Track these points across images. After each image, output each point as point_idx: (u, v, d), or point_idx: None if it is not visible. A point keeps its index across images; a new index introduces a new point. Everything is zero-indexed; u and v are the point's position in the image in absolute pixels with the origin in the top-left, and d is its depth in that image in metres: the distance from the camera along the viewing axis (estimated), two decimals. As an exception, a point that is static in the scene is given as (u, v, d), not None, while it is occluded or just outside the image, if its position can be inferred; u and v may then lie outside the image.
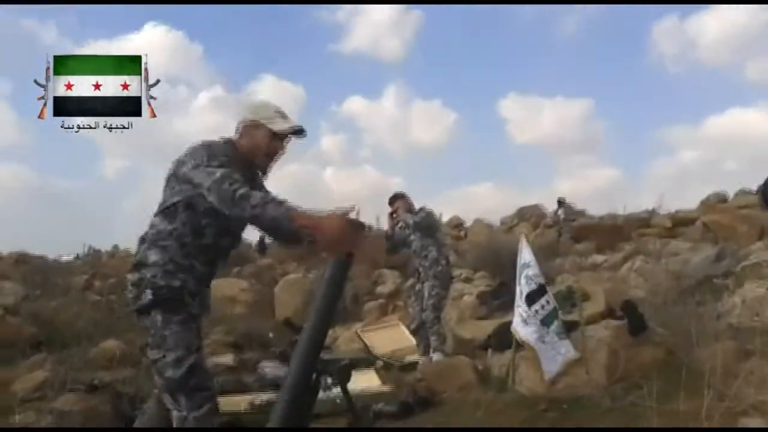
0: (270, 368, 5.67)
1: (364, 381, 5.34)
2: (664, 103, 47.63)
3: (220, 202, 2.41)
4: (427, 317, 6.20)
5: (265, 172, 2.90)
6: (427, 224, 6.41)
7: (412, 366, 6.36)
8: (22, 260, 14.51)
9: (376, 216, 13.55)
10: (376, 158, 47.62)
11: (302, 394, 1.72)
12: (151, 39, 42.80)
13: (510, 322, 5.08)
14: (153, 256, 2.70)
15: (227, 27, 46.70)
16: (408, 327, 7.19)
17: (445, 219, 17.95)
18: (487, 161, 46.28)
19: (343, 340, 8.15)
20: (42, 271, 13.32)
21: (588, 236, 14.50)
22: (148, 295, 2.65)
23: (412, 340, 6.95)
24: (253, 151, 2.82)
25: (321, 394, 1.76)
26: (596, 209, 17.57)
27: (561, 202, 16.94)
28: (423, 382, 5.32)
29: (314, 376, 1.73)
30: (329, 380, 1.80)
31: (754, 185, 14.66)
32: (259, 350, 7.36)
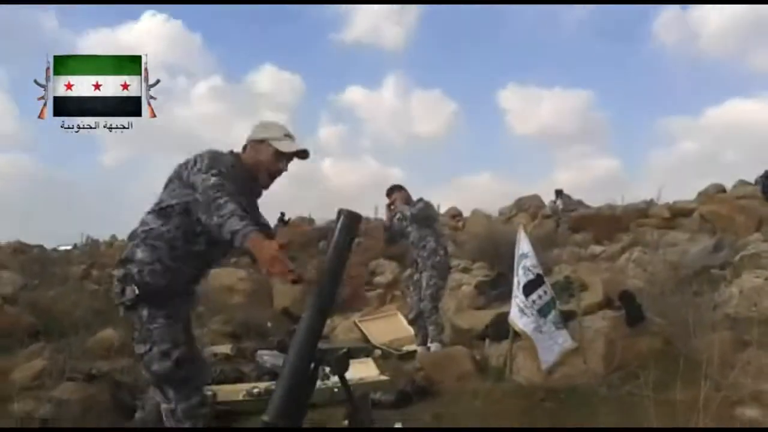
0: (268, 357, 5.68)
1: (362, 370, 5.35)
2: (663, 93, 47.59)
3: (203, 206, 2.48)
4: (425, 307, 6.21)
5: (265, 188, 2.96)
6: (425, 215, 6.42)
7: (411, 355, 6.38)
8: (20, 250, 14.52)
9: (374, 206, 13.55)
10: (375, 148, 47.51)
11: (300, 383, 1.72)
12: (150, 28, 42.75)
13: (508, 313, 5.10)
14: (140, 254, 2.71)
15: (226, 16, 46.53)
16: (406, 317, 7.21)
17: (443, 209, 17.94)
18: (485, 151, 46.22)
19: (341, 329, 8.16)
20: (40, 260, 13.31)
21: (586, 227, 14.49)
22: (134, 290, 2.66)
23: (410, 330, 6.96)
24: (256, 166, 2.87)
25: (319, 383, 1.76)
26: (594, 200, 17.57)
27: (559, 193, 16.94)
28: (421, 372, 5.32)
29: (312, 365, 1.73)
30: (327, 369, 1.80)
31: (752, 176, 14.70)
32: (257, 339, 7.36)
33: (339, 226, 2.19)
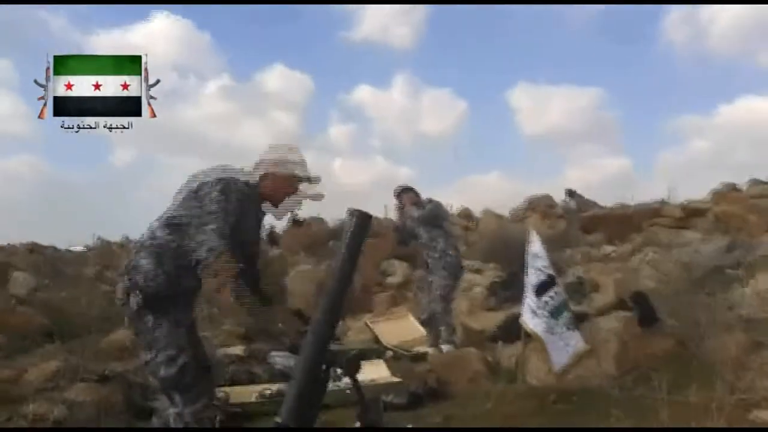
0: (280, 359, 5.68)
1: (374, 372, 5.35)
2: (674, 91, 47.12)
3: (195, 225, 2.71)
4: (435, 308, 6.21)
5: (275, 213, 3.10)
6: (433, 216, 6.43)
7: (422, 357, 6.37)
8: (34, 250, 14.61)
9: (384, 206, 13.55)
10: (384, 147, 47.43)
11: (312, 384, 1.72)
12: (160, 28, 42.79)
13: (520, 314, 5.08)
14: (145, 263, 2.75)
15: (236, 16, 46.62)
16: (418, 318, 7.20)
17: (454, 209, 17.87)
18: (496, 151, 46.02)
19: (352, 331, 8.16)
20: (53, 261, 13.39)
21: (598, 227, 14.41)
22: (138, 298, 2.70)
23: (422, 331, 6.96)
24: (275, 193, 2.99)
25: (331, 385, 1.76)
26: (606, 199, 17.43)
27: (571, 193, 16.87)
28: (432, 373, 5.32)
29: (324, 366, 1.73)
30: (339, 371, 1.80)
31: (766, 174, 14.56)
32: (269, 341, 7.38)
33: (350, 226, 2.18)
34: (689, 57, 46.72)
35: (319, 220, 16.61)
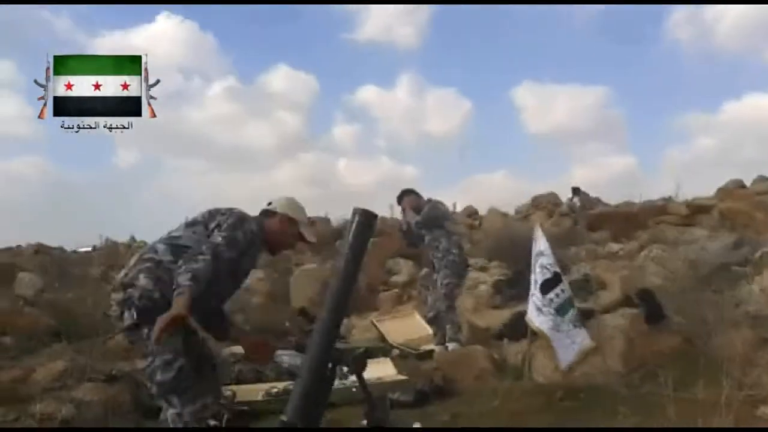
0: (286, 357, 5.70)
1: (380, 370, 5.35)
2: (679, 89, 46.95)
3: (194, 249, 2.81)
4: (440, 306, 6.22)
5: (273, 254, 3.39)
6: (433, 217, 6.45)
7: (428, 355, 6.37)
8: (40, 251, 14.66)
9: (389, 205, 13.55)
10: (389, 147, 47.40)
11: (318, 382, 1.72)
12: (164, 29, 42.90)
13: (525, 311, 5.07)
14: (144, 281, 2.79)
15: (240, 17, 46.63)
16: (424, 316, 7.20)
17: (459, 208, 17.85)
18: (501, 150, 45.96)
19: (358, 329, 8.17)
20: (60, 262, 13.43)
21: (604, 224, 14.38)
22: (132, 315, 2.75)
23: (427, 329, 6.96)
24: (279, 237, 3.19)
25: (337, 383, 1.77)
26: (612, 197, 17.41)
27: (576, 190, 16.82)
28: (439, 371, 5.32)
29: (330, 365, 1.73)
30: (345, 369, 1.80)
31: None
32: (275, 339, 7.39)
33: (354, 225, 2.18)
34: (695, 54, 46.59)
35: (325, 220, 16.63)
